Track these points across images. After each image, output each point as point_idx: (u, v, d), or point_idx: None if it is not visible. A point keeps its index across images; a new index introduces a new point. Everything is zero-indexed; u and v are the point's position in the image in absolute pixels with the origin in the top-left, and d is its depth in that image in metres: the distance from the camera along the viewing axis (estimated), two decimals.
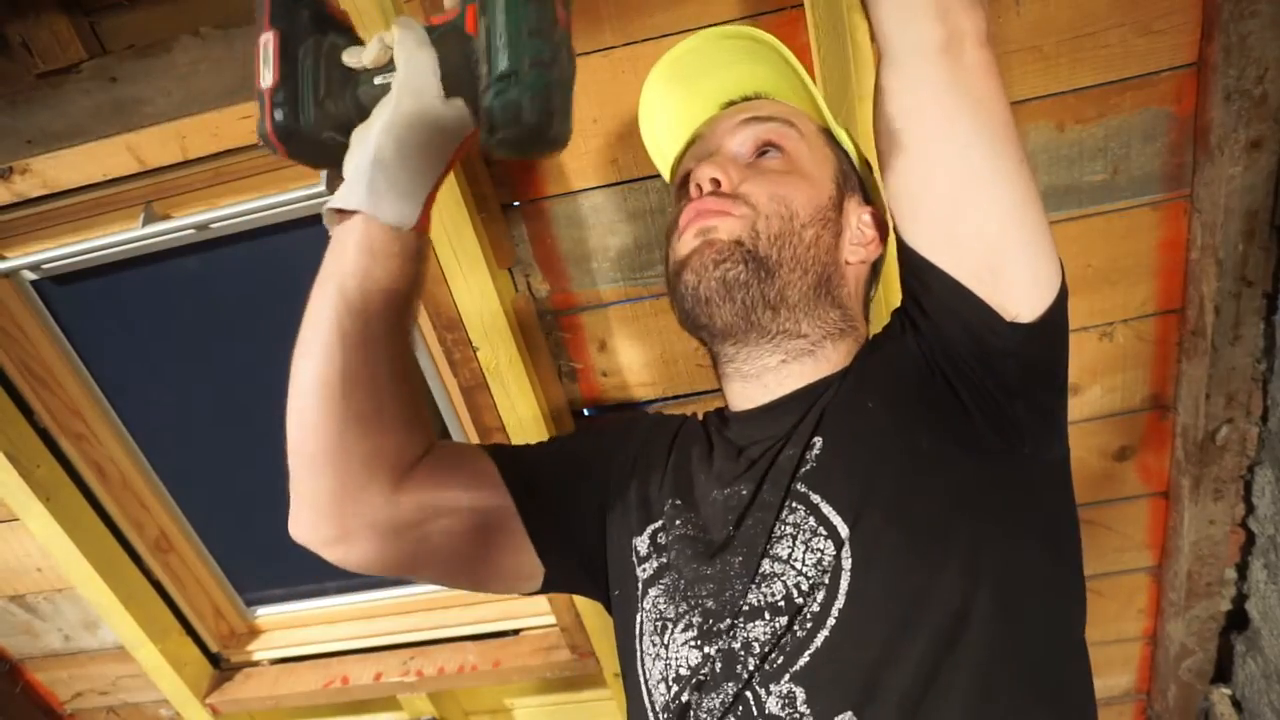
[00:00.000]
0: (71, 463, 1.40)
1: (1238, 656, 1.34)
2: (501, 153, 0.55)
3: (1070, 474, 0.71)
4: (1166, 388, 1.19)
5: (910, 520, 0.61)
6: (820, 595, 0.60)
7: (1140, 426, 1.23)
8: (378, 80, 0.59)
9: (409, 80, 0.57)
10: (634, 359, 1.21)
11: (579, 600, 1.32)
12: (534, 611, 1.50)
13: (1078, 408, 1.21)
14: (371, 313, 0.62)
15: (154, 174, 1.08)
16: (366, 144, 0.59)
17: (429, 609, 1.58)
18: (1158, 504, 1.29)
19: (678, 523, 0.71)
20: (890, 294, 0.84)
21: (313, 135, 0.61)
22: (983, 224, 0.61)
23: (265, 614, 1.66)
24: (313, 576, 1.61)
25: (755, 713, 0.59)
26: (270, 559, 1.59)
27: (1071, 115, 1.00)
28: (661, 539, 0.72)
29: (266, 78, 0.59)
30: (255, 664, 1.65)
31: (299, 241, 1.21)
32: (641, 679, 0.69)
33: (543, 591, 0.79)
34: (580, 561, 0.78)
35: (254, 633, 1.67)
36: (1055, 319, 0.63)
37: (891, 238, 0.74)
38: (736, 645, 0.62)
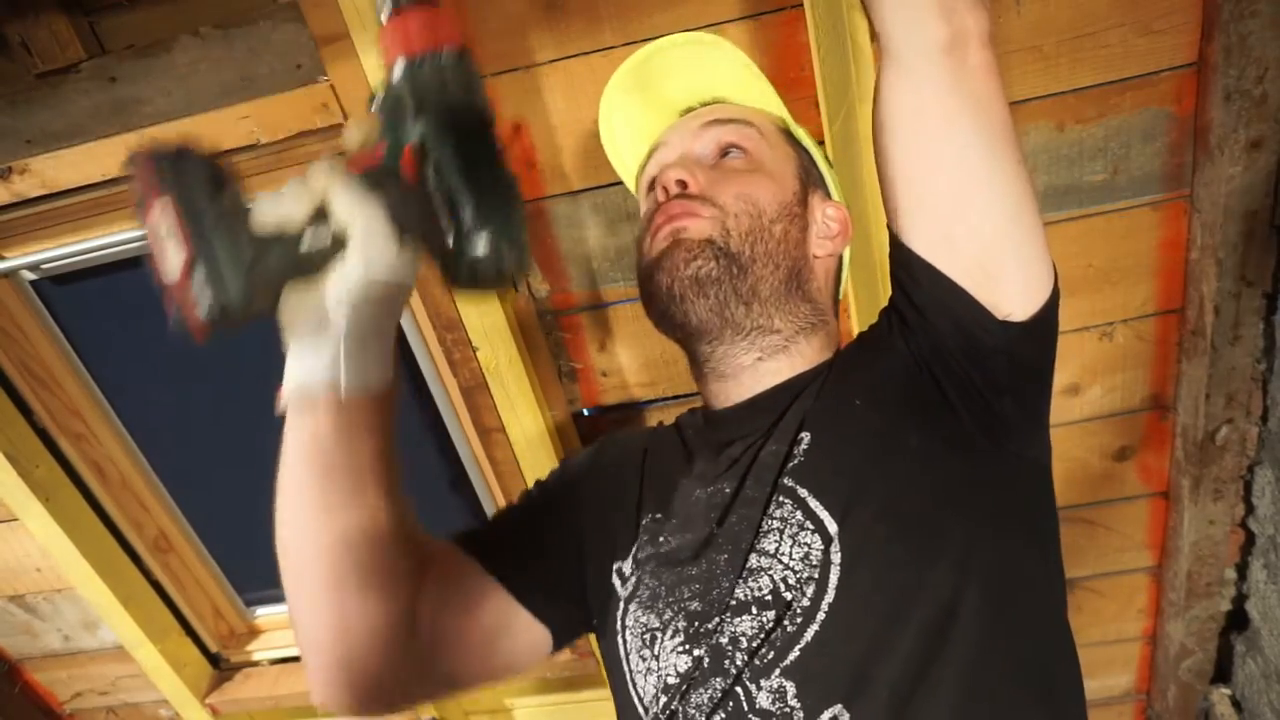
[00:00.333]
0: (71, 463, 1.40)
1: (1238, 656, 1.34)
2: (465, 291, 0.54)
3: (1051, 472, 0.72)
4: (1166, 388, 1.19)
5: (899, 516, 0.62)
6: (810, 590, 0.60)
7: (1140, 426, 1.23)
8: (310, 236, 0.50)
9: (366, 243, 0.50)
10: (634, 359, 1.21)
11: None
12: None
13: (1078, 408, 1.21)
14: (362, 475, 0.60)
15: None
16: (322, 317, 0.52)
17: None
18: (1158, 504, 1.29)
19: (660, 538, 0.72)
20: (882, 291, 0.84)
21: (245, 312, 0.49)
22: (980, 225, 0.61)
23: (265, 614, 1.66)
24: None
25: (746, 708, 0.59)
26: (270, 559, 1.59)
27: (1071, 115, 1.00)
28: (640, 555, 0.73)
29: (175, 256, 0.48)
30: (255, 664, 1.64)
31: None
32: (636, 700, 0.69)
33: (560, 648, 0.78)
34: (576, 606, 0.77)
35: (254, 633, 1.67)
36: (1047, 318, 0.63)
37: (883, 234, 0.75)
38: (724, 641, 0.62)
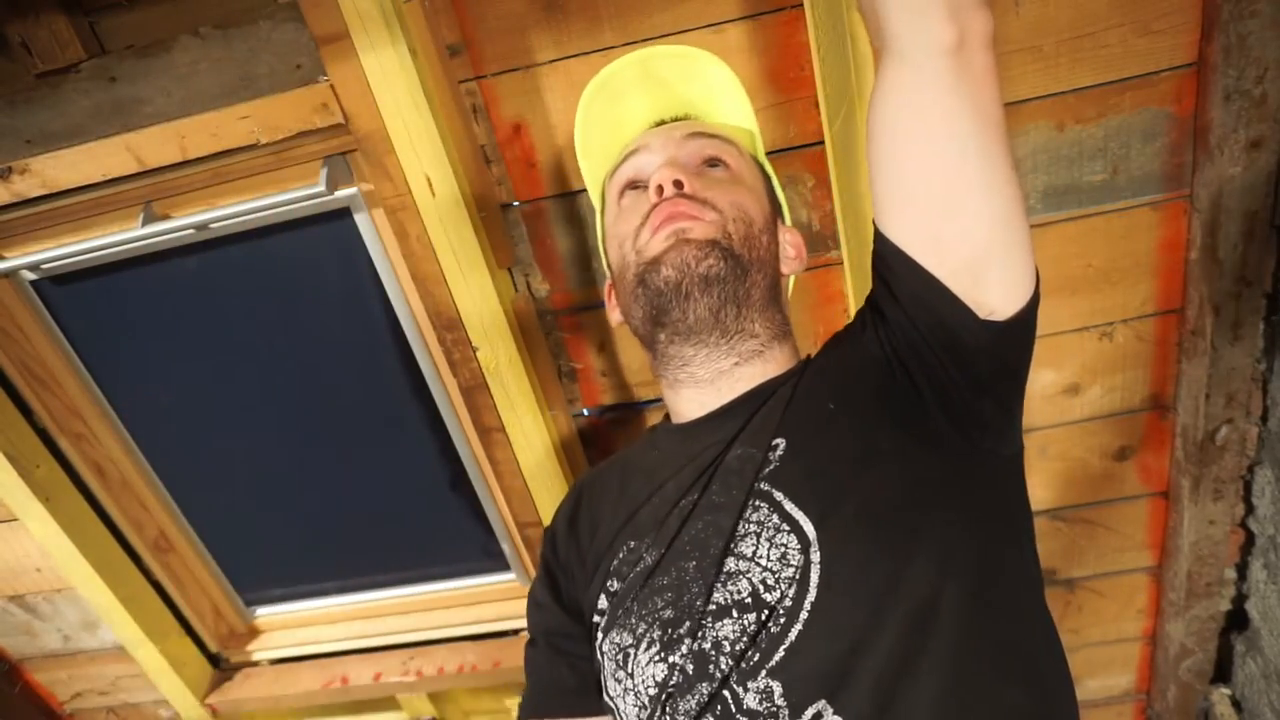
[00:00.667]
0: (71, 463, 1.40)
1: (1237, 656, 1.34)
2: None
3: (1023, 466, 0.74)
4: (1166, 388, 1.19)
5: (876, 516, 0.63)
6: (792, 590, 0.61)
7: (1140, 426, 1.23)
8: None
9: None
10: (633, 359, 1.21)
11: None
12: None
13: (1078, 408, 1.21)
14: None
15: (153, 174, 1.08)
16: None
17: (429, 609, 1.58)
18: (1158, 504, 1.29)
19: (634, 560, 0.72)
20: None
21: None
22: (971, 227, 0.62)
23: (265, 614, 1.66)
24: (312, 576, 1.61)
25: (734, 709, 0.60)
26: (270, 559, 1.59)
27: (1071, 115, 1.00)
28: (613, 586, 0.73)
29: None
30: (255, 664, 1.65)
31: (299, 241, 1.21)
32: None
33: None
34: None
35: (253, 633, 1.67)
36: (1027, 319, 0.64)
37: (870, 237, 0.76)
38: (707, 645, 0.62)
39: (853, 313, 1.04)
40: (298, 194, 1.08)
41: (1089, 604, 1.40)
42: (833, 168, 0.97)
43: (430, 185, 1.01)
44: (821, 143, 1.03)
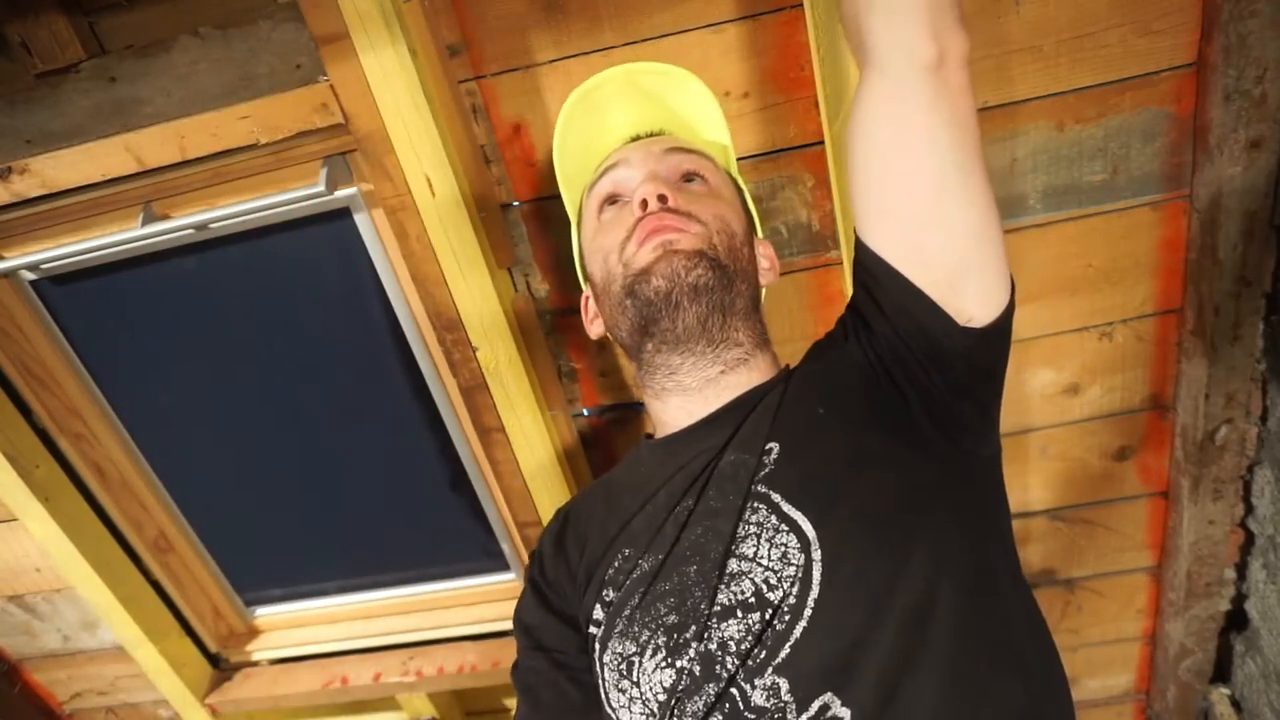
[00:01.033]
0: (70, 463, 1.40)
1: (1237, 656, 1.34)
2: None
3: (1001, 465, 0.77)
4: (1166, 388, 1.19)
5: (871, 515, 0.65)
6: (795, 588, 0.62)
7: (1140, 426, 1.23)
8: None
9: None
10: None
11: None
12: None
13: (1078, 408, 1.21)
14: None
15: (153, 174, 1.08)
16: None
17: (429, 609, 1.58)
18: (1157, 504, 1.30)
19: (630, 570, 0.72)
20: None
21: None
22: (949, 239, 0.65)
23: (264, 614, 1.66)
24: (312, 576, 1.61)
25: (741, 707, 0.61)
26: (270, 559, 1.59)
27: (1071, 115, 1.01)
28: (609, 596, 0.73)
29: None
30: (254, 664, 1.65)
31: (298, 241, 1.21)
32: None
33: None
34: None
35: (253, 633, 1.67)
36: (1004, 325, 0.68)
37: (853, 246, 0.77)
38: (713, 646, 0.63)
39: None
40: (297, 194, 1.08)
41: (1089, 604, 1.40)
42: (833, 168, 0.97)
43: (430, 185, 1.01)
44: (821, 143, 1.03)
